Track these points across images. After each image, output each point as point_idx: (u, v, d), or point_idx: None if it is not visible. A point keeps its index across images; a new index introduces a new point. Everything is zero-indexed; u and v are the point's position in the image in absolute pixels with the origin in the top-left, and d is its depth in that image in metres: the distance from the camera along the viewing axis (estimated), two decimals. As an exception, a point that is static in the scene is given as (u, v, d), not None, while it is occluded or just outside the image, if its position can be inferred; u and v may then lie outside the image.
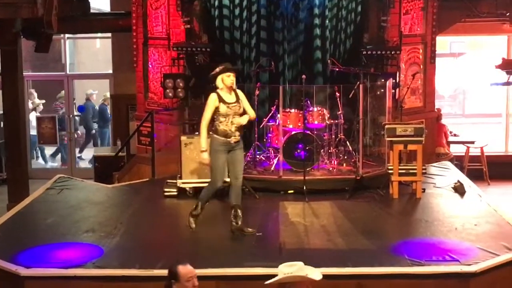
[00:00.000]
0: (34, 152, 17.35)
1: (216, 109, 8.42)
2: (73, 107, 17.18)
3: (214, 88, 8.58)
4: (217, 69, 8.55)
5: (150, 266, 7.32)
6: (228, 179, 8.83)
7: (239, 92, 8.62)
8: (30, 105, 17.13)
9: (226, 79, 8.46)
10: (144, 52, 12.95)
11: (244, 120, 8.49)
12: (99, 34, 17.86)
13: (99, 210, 9.88)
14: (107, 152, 14.93)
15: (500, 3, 12.98)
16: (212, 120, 8.53)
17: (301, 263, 5.15)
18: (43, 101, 17.87)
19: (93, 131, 17.88)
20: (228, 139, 8.43)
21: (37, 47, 13.45)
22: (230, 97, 8.48)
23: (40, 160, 17.49)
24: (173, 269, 5.52)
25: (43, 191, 10.77)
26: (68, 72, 17.31)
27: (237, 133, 8.47)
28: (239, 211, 8.57)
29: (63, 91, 17.11)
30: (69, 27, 14.20)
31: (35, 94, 17.78)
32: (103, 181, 12.26)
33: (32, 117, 16.99)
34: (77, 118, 17.50)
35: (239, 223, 8.54)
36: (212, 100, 8.45)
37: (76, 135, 17.32)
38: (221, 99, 8.42)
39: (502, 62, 13.15)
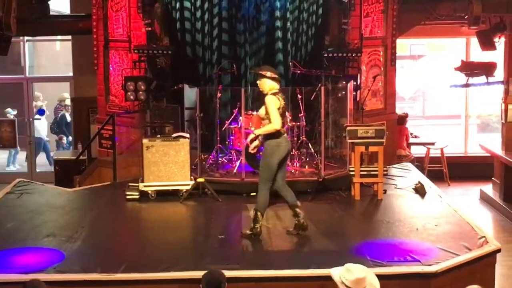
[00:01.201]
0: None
1: None
2: (33, 110, 16.97)
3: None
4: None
5: (112, 270, 7.27)
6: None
7: (266, 98, 8.46)
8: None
9: None
10: (105, 54, 12.85)
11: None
12: (59, 37, 17.68)
13: (60, 214, 9.78)
14: (67, 156, 14.78)
15: (459, 6, 13.14)
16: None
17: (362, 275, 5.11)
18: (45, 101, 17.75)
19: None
20: None
21: (-4, 49, 13.26)
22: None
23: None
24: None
25: (2, 196, 10.61)
26: (27, 75, 17.10)
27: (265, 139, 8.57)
28: (254, 214, 8.56)
29: (65, 93, 16.95)
30: (29, 30, 14.03)
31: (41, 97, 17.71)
32: (64, 185, 12.12)
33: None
34: (36, 122, 17.25)
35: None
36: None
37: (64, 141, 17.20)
38: None
39: (461, 64, 13.30)
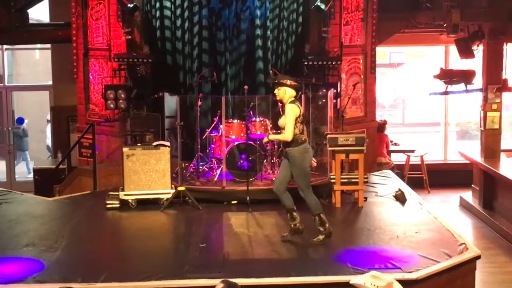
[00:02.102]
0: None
1: None
2: (11, 119, 16.87)
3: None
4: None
5: (92, 279, 7.23)
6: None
7: (287, 107, 8.50)
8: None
9: None
10: (84, 63, 12.81)
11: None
12: (39, 45, 17.60)
13: (40, 224, 9.71)
14: (47, 165, 14.70)
15: (437, 14, 13.23)
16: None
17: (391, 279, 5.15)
18: None
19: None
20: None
21: (-25, 58, 13.20)
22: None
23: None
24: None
25: (-19, 205, 10.54)
26: (6, 83, 17.01)
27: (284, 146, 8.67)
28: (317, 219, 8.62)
29: None
30: (8, 38, 13.98)
31: None
32: (43, 194, 12.05)
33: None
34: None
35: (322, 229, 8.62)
36: None
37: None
38: None
39: (440, 72, 13.37)
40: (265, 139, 9.35)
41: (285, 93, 8.51)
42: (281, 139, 8.67)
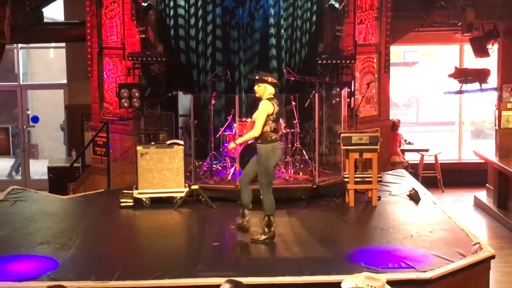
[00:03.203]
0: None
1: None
2: (27, 118, 16.94)
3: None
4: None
5: (106, 277, 7.25)
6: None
7: (261, 103, 8.61)
8: None
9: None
10: (99, 61, 12.85)
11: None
12: (53, 44, 17.67)
13: (54, 222, 9.76)
14: (61, 163, 14.76)
15: (452, 13, 13.17)
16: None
17: (384, 280, 5.14)
18: None
19: None
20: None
21: (-11, 57, 13.28)
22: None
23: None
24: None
25: (-4, 203, 10.60)
26: (21, 82, 17.09)
27: (254, 141, 8.68)
28: (266, 219, 8.67)
29: None
30: (22, 37, 14.02)
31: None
32: (57, 192, 12.10)
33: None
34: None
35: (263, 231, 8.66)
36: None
37: None
38: None
39: (454, 71, 13.32)
40: (232, 145, 9.35)
41: (265, 89, 8.61)
42: (248, 138, 8.86)
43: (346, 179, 10.46)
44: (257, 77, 8.74)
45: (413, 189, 10.92)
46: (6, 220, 9.77)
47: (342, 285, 5.18)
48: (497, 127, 13.67)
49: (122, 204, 10.40)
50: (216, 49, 12.47)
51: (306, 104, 11.08)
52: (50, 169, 14.53)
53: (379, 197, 10.59)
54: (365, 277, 5.18)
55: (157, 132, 11.34)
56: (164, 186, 10.50)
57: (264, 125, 8.49)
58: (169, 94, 11.57)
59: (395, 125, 14.31)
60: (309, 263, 7.80)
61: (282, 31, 12.40)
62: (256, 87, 8.64)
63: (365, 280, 5.15)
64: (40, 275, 7.41)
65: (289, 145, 11.36)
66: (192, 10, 12.37)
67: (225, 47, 12.49)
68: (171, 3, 12.40)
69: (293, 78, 11.52)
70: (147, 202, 10.42)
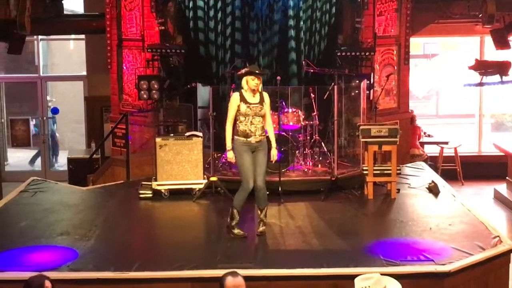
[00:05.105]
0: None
1: (238, 108, 8.46)
2: (47, 109, 17.05)
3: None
4: (243, 71, 8.61)
5: (125, 268, 7.29)
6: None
7: (265, 95, 8.63)
8: None
9: (250, 82, 8.46)
10: (118, 53, 12.90)
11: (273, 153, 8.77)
12: (73, 36, 17.77)
13: (74, 213, 9.82)
14: (81, 155, 14.84)
15: (473, 5, 13.09)
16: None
17: (378, 275, 5.12)
18: None
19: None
20: (248, 139, 8.47)
21: (10, 48, 13.36)
22: (252, 98, 8.49)
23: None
24: (222, 279, 5.56)
25: (16, 194, 10.66)
26: (41, 74, 17.19)
27: (258, 133, 8.50)
28: (260, 213, 8.62)
29: None
30: (42, 29, 14.11)
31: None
32: (77, 183, 12.17)
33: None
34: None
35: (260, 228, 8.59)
36: (234, 99, 8.51)
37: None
38: (242, 99, 8.46)
39: (475, 63, 13.25)
40: (230, 155, 8.72)
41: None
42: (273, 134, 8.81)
43: (365, 172, 10.43)
44: (263, 72, 8.74)
45: (433, 181, 10.87)
46: (27, 211, 9.84)
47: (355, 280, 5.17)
48: (517, 120, 13.58)
49: (141, 196, 10.44)
50: (235, 41, 12.46)
51: (325, 96, 11.06)
52: (70, 161, 14.62)
53: (398, 190, 10.55)
54: (359, 279, 5.14)
55: (176, 124, 11.36)
56: (183, 178, 10.52)
57: None
58: (188, 86, 11.59)
59: (411, 118, 14.26)
60: (328, 255, 7.79)
61: (301, 23, 12.37)
62: (257, 81, 8.54)
63: (360, 282, 5.13)
64: (60, 265, 7.46)
65: (308, 137, 11.34)
66: (211, 2, 12.36)
67: (244, 39, 12.48)
68: (190, -5, 12.42)
69: (312, 70, 11.50)
70: (166, 193, 10.45)
